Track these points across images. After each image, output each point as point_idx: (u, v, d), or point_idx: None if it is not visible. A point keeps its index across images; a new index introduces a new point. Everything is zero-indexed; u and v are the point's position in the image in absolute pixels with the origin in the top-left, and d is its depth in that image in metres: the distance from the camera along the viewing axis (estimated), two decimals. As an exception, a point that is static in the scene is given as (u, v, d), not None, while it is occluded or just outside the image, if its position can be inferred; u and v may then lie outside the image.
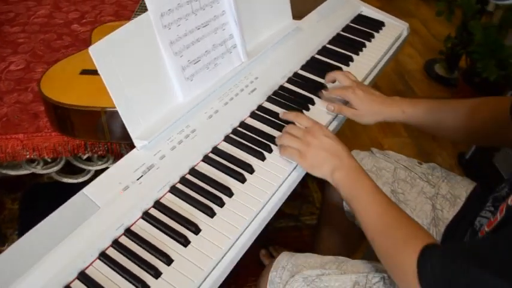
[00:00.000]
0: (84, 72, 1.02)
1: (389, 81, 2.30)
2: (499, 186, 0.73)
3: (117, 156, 1.18)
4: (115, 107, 0.92)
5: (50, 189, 1.40)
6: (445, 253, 0.55)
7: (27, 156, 1.06)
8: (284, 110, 0.91)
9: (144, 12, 1.32)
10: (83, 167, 1.18)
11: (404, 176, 0.92)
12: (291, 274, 0.76)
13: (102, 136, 1.01)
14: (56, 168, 1.16)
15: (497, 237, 0.55)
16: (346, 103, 0.92)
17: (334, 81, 0.98)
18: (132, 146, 1.13)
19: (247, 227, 0.71)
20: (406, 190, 0.91)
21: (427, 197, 0.89)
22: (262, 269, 1.31)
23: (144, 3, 1.36)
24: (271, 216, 0.76)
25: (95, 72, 1.01)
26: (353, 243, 1.11)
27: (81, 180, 1.22)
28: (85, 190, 0.69)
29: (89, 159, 1.18)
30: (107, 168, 1.24)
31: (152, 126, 0.79)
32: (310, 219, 1.55)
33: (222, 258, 0.66)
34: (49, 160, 1.14)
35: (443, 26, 2.73)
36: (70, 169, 1.22)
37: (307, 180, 1.69)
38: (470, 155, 1.81)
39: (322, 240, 1.12)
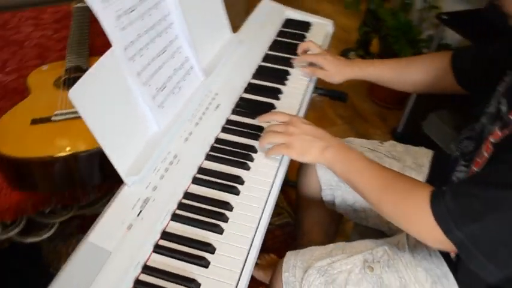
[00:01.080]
0: (35, 121, 0.97)
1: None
2: (458, 145, 0.83)
3: (83, 203, 1.13)
4: (81, 151, 0.91)
5: (8, 254, 1.29)
6: (453, 190, 0.61)
7: (-13, 223, 0.98)
8: (251, 120, 0.94)
9: (76, 50, 1.28)
10: (47, 221, 1.11)
11: (372, 157, 1.00)
12: (304, 270, 0.80)
13: (70, 183, 0.97)
14: (16, 230, 1.08)
15: (497, 162, 0.63)
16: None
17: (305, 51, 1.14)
18: (99, 188, 1.10)
19: (255, 233, 0.73)
20: (377, 169, 0.99)
21: (396, 172, 0.97)
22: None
23: (73, 41, 1.32)
24: (271, 216, 0.79)
25: (47, 119, 0.98)
26: (333, 230, 1.17)
27: (45, 236, 1.15)
28: (90, 239, 0.67)
29: (51, 212, 1.12)
30: (72, 217, 1.18)
31: (137, 160, 0.78)
32: (279, 220, 1.60)
33: (243, 267, 0.68)
34: (7, 223, 1.06)
35: (346, 18, 2.94)
36: (30, 227, 1.14)
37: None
38: (402, 128, 1.99)
39: (304, 234, 1.17)
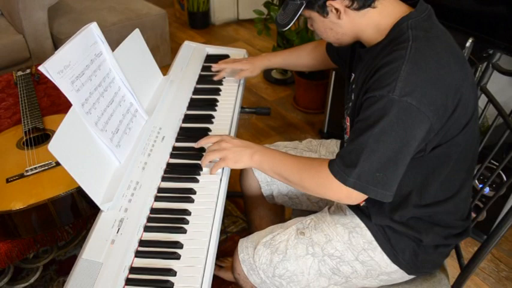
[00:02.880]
0: (10, 180, 1.13)
1: (243, 96, 2.68)
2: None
3: (62, 242, 1.29)
4: (59, 195, 1.08)
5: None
6: (339, 155, 0.88)
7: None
8: (193, 143, 1.16)
9: (29, 113, 1.44)
10: (31, 266, 1.26)
11: (295, 153, 1.25)
12: (254, 247, 1.02)
13: (49, 225, 1.13)
14: (6, 279, 1.22)
15: (353, 125, 0.89)
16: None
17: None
18: (73, 226, 1.26)
19: (212, 226, 0.95)
20: (299, 162, 1.24)
21: (314, 161, 1.23)
22: (219, 280, 1.53)
23: (25, 106, 1.48)
24: (222, 214, 1.00)
25: (20, 176, 1.15)
26: (278, 221, 1.40)
27: (32, 280, 1.29)
28: (84, 256, 0.85)
29: (35, 257, 1.26)
30: (53, 260, 1.33)
31: (107, 191, 0.97)
32: (235, 227, 1.81)
33: (207, 253, 0.89)
34: (-3, 274, 1.20)
35: (263, 40, 3.26)
36: (17, 275, 1.27)
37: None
38: (327, 129, 2.28)
39: (255, 227, 1.38)
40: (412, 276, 1.06)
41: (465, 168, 0.98)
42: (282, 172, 0.98)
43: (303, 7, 0.90)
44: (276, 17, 0.99)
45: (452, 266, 1.21)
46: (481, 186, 1.62)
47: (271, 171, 1.00)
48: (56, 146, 0.85)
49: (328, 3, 0.87)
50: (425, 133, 0.84)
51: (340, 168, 0.86)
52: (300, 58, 1.37)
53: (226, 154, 1.02)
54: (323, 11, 0.89)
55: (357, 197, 0.88)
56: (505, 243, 1.84)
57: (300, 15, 0.92)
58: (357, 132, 0.85)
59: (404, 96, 0.79)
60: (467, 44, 1.59)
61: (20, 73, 1.68)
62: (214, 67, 1.44)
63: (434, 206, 0.97)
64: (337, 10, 0.88)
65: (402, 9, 0.89)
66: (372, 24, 0.89)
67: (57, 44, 2.48)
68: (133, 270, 0.86)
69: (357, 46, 0.99)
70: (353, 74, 1.01)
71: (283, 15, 0.94)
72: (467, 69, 0.90)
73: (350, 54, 1.07)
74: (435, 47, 0.84)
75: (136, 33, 1.29)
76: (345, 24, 0.90)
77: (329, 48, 1.27)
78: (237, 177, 1.41)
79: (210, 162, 1.06)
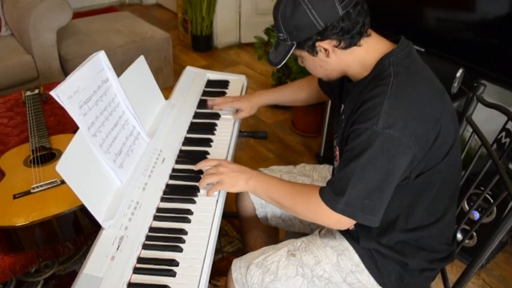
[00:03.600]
0: (17, 196, 1.19)
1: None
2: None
3: (63, 257, 1.33)
4: (63, 212, 1.14)
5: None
6: (329, 183, 0.94)
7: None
8: (191, 166, 1.22)
9: (37, 133, 1.50)
10: (33, 280, 1.30)
11: (288, 177, 1.31)
12: (246, 267, 1.07)
13: (52, 240, 1.18)
14: (7, 293, 1.26)
15: (342, 154, 0.95)
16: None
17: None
18: (74, 242, 1.31)
19: (207, 246, 1.00)
20: (293, 186, 1.30)
21: (307, 185, 1.29)
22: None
23: (33, 125, 1.54)
24: (218, 234, 1.06)
25: (27, 192, 1.20)
26: (272, 242, 1.45)
27: (33, 294, 1.33)
28: (85, 270, 0.90)
29: (36, 271, 1.31)
30: (53, 274, 1.38)
31: (109, 209, 1.02)
32: (231, 247, 1.86)
33: (202, 271, 0.94)
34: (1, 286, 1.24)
35: (263, 65, 3.35)
36: (17, 289, 1.32)
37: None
38: (323, 152, 2.34)
39: (250, 248, 1.43)
40: (398, 299, 1.10)
41: (448, 194, 1.03)
42: (275, 197, 1.04)
43: (293, 47, 0.97)
44: (268, 55, 1.05)
45: (440, 289, 1.26)
46: (473, 212, 1.67)
47: (266, 196, 1.06)
48: (63, 167, 0.91)
49: (317, 43, 0.94)
50: (409, 162, 0.90)
51: (330, 195, 0.92)
52: (295, 93, 1.42)
53: (223, 178, 1.08)
54: (312, 50, 0.96)
55: (346, 222, 0.94)
56: (496, 269, 1.88)
57: (291, 53, 0.99)
58: (345, 162, 0.91)
59: (387, 129, 0.86)
60: (458, 74, 1.66)
61: (28, 93, 1.75)
62: (212, 105, 1.44)
63: (420, 230, 1.03)
64: (325, 50, 0.95)
65: (385, 46, 0.96)
66: (358, 61, 0.96)
67: (64, 64, 2.57)
68: (131, 286, 0.91)
69: (345, 80, 1.06)
70: (342, 105, 1.08)
71: (275, 54, 1.01)
72: (446, 102, 0.96)
73: (339, 87, 1.14)
74: (415, 82, 0.91)
75: (141, 59, 1.36)
76: (333, 62, 0.97)
77: (321, 82, 1.33)
78: (234, 198, 1.46)
79: (208, 184, 1.11)
